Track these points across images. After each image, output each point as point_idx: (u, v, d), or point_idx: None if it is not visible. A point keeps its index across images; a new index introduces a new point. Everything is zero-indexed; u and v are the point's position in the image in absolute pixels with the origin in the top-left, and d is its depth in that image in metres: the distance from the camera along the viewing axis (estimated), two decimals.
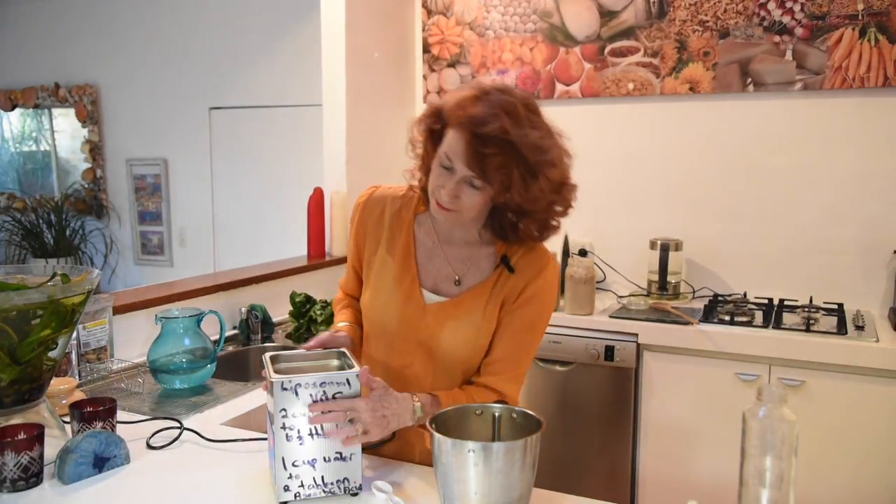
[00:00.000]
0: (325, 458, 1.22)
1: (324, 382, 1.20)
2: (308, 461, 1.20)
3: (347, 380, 1.21)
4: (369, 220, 1.46)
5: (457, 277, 1.40)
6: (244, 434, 1.54)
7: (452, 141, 1.25)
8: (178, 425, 1.57)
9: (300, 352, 1.34)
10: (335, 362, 1.32)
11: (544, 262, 1.39)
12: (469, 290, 1.38)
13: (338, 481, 1.23)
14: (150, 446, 1.47)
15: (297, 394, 1.18)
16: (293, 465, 1.20)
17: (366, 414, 1.20)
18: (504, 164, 1.22)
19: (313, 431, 1.20)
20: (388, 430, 1.24)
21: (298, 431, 1.19)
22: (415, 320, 1.39)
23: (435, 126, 1.31)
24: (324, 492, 1.22)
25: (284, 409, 1.18)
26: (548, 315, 1.41)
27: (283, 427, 1.18)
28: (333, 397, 1.20)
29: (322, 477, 1.22)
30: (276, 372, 1.23)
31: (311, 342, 1.36)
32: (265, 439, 1.46)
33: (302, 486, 1.21)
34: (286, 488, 1.20)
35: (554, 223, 1.35)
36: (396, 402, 1.25)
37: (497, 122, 1.20)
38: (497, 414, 1.24)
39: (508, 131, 1.20)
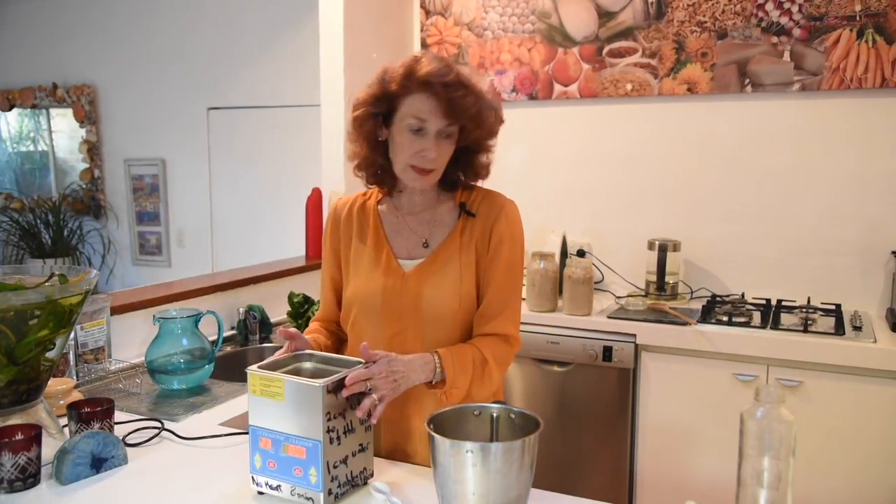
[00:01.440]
0: (352, 454, 1.24)
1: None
2: (342, 460, 1.22)
3: None
4: (341, 222, 1.57)
5: (424, 240, 1.49)
6: (239, 431, 1.54)
7: (417, 103, 1.37)
8: (159, 426, 1.57)
9: (277, 358, 1.32)
10: (308, 364, 1.33)
11: (501, 201, 1.51)
12: (440, 246, 1.48)
13: (360, 473, 1.26)
14: (126, 443, 1.47)
15: (336, 395, 1.20)
16: (334, 466, 1.20)
17: (379, 380, 1.26)
18: (475, 102, 1.39)
19: (347, 428, 1.22)
20: (399, 391, 1.30)
21: (337, 431, 1.20)
22: (397, 289, 1.46)
23: (379, 111, 1.41)
24: (352, 486, 1.24)
25: (329, 413, 1.18)
26: (521, 249, 1.53)
27: (329, 430, 1.18)
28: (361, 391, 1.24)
29: (351, 472, 1.24)
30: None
31: (286, 334, 1.36)
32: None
33: (339, 486, 1.21)
34: (329, 492, 1.19)
35: (492, 155, 1.53)
36: (402, 364, 1.31)
37: (453, 70, 1.38)
38: (495, 414, 1.25)
39: (461, 74, 1.39)
